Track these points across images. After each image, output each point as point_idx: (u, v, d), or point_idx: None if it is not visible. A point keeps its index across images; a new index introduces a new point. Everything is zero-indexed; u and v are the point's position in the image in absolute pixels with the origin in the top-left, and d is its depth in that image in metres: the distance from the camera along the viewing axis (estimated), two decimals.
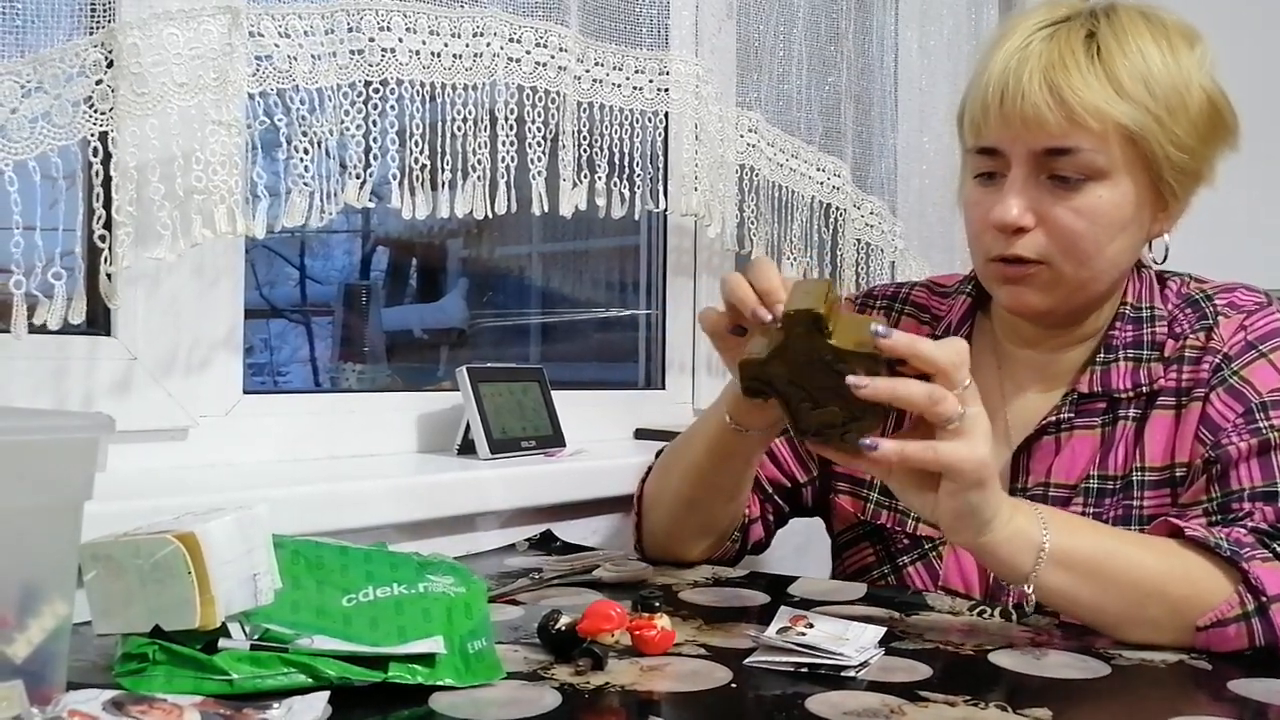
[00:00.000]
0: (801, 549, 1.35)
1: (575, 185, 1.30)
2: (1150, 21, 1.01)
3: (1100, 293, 1.05)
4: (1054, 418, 1.06)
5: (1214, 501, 0.97)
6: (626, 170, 1.36)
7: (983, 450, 0.84)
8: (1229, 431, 0.98)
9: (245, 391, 1.19)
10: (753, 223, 1.59)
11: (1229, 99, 1.03)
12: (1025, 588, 0.89)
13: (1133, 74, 0.97)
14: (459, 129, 1.17)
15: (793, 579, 1.09)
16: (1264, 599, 0.86)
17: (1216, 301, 1.06)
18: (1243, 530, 0.92)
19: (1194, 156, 1.00)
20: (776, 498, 1.21)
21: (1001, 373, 1.12)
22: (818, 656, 0.79)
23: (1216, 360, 1.02)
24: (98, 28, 0.93)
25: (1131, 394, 1.05)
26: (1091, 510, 1.03)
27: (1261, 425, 0.97)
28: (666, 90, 1.39)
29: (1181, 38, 1.01)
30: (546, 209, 1.25)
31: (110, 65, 0.93)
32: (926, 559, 1.11)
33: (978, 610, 0.98)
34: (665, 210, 1.45)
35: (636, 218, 1.43)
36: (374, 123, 1.09)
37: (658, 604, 0.83)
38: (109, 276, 0.95)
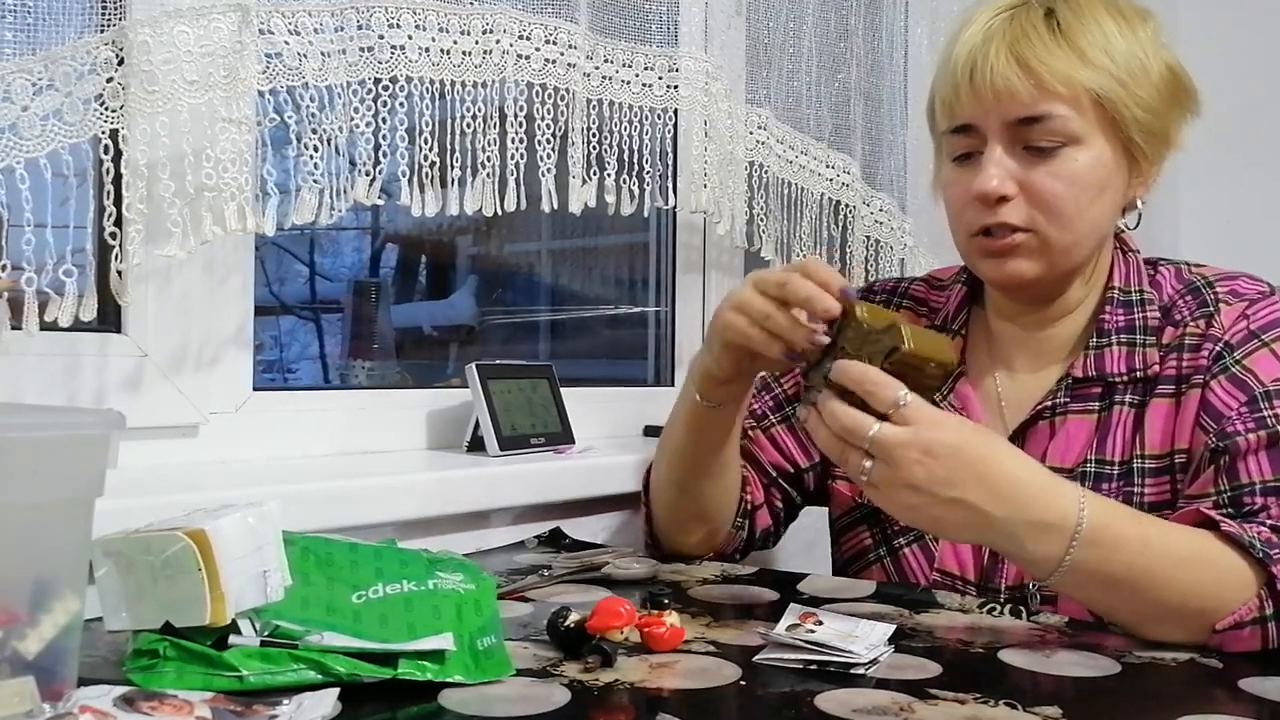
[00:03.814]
0: (811, 546, 1.35)
1: (585, 182, 1.30)
2: (1104, 0, 1.04)
3: (1083, 258, 1.06)
4: (1049, 402, 1.07)
5: (1223, 494, 0.96)
6: (636, 167, 1.36)
7: (896, 505, 0.86)
8: (1233, 420, 0.98)
9: (255, 388, 1.19)
10: (762, 220, 1.59)
11: (1185, 70, 1.06)
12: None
13: (1093, 44, 1.01)
14: (468, 126, 1.17)
15: (802, 576, 1.10)
16: None
17: (1218, 289, 1.06)
18: (1265, 528, 0.91)
19: (1159, 118, 1.03)
20: (782, 482, 1.22)
21: (994, 358, 1.14)
22: (827, 654, 0.79)
23: (1217, 348, 1.02)
24: (108, 25, 0.94)
25: (1126, 378, 1.05)
26: None
27: (1267, 416, 0.97)
28: (676, 87, 1.39)
29: (1135, 14, 1.05)
30: (556, 206, 1.25)
31: (121, 63, 0.93)
32: (922, 541, 1.12)
33: (987, 607, 0.98)
34: (674, 207, 1.45)
35: (646, 214, 1.43)
36: (383, 120, 1.09)
37: (667, 601, 0.83)
38: (120, 274, 0.96)
